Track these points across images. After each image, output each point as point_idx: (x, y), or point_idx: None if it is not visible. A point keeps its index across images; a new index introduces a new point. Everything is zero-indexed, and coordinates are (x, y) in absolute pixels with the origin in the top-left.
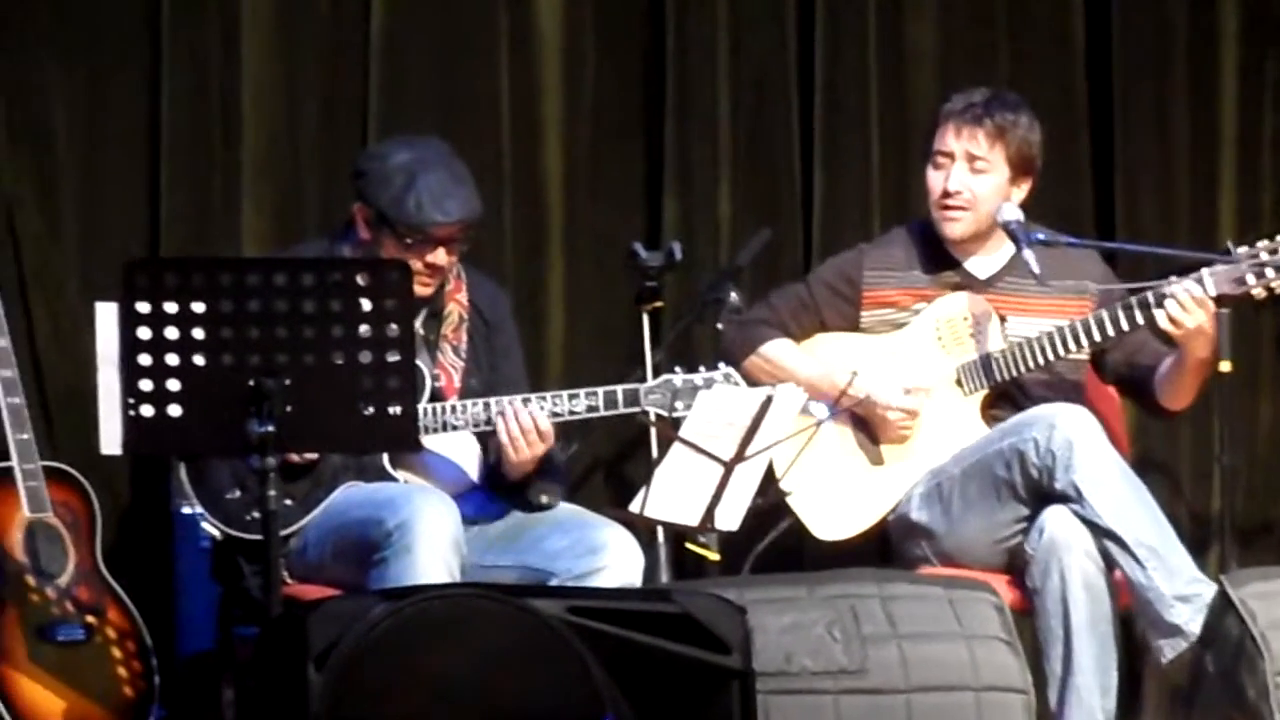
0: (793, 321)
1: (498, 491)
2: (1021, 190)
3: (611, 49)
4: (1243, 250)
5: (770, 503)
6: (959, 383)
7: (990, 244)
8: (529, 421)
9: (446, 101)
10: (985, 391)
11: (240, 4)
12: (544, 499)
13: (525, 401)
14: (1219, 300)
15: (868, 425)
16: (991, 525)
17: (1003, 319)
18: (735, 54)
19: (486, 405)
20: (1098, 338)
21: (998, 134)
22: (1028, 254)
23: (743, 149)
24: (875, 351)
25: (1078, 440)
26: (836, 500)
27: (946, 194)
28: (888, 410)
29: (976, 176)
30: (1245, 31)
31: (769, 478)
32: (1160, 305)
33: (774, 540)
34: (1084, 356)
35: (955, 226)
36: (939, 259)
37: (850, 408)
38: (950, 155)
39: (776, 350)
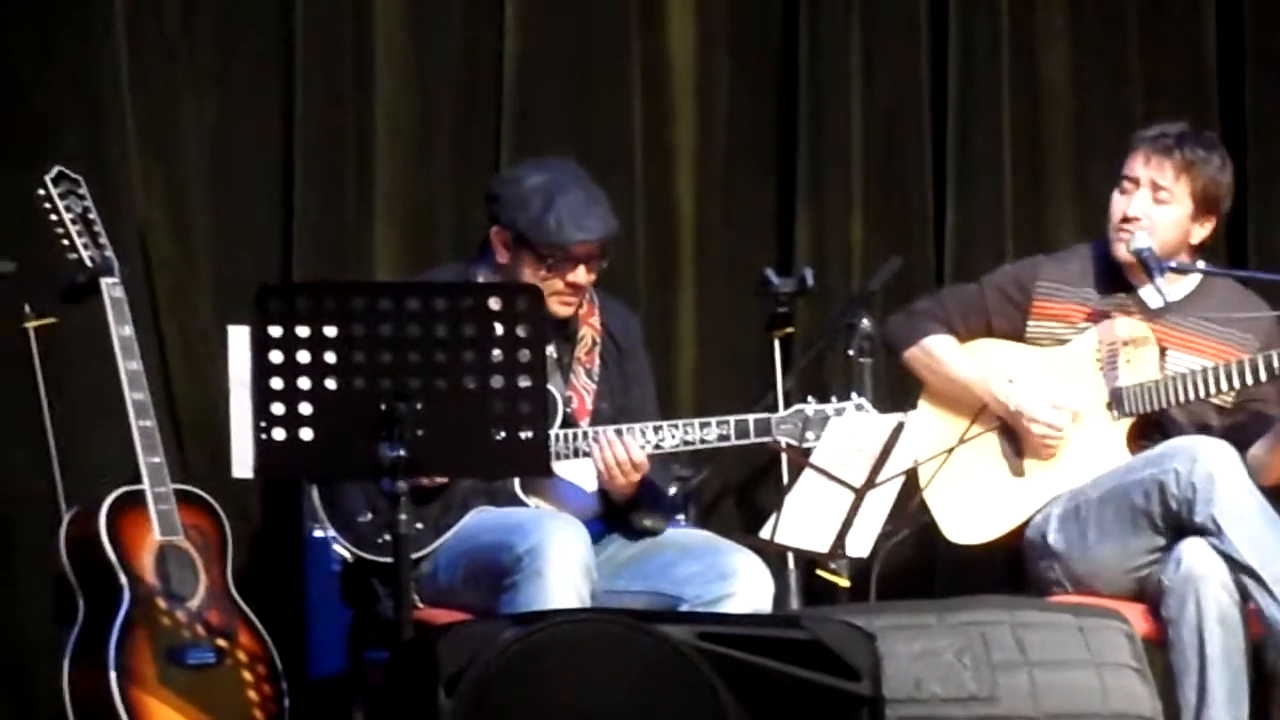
0: (960, 320)
1: (605, 518)
2: (1204, 229)
3: (744, 74)
4: None
5: (899, 528)
6: (1109, 406)
7: (1168, 276)
8: (623, 453)
9: (579, 126)
10: (1133, 419)
11: (374, 27)
12: (647, 525)
13: (618, 433)
14: None
15: (1015, 436)
16: (1126, 553)
17: (1163, 351)
18: (868, 80)
19: (618, 432)
20: (1250, 381)
21: (1185, 167)
22: (1160, 282)
23: (874, 175)
24: (1034, 363)
25: (1219, 474)
26: (973, 505)
27: (1126, 219)
28: (1033, 423)
29: (1158, 206)
30: None
31: (903, 499)
32: None
33: (906, 555)
34: (1229, 398)
35: (1121, 248)
36: (1114, 282)
37: (995, 424)
38: (1136, 181)
39: (938, 345)
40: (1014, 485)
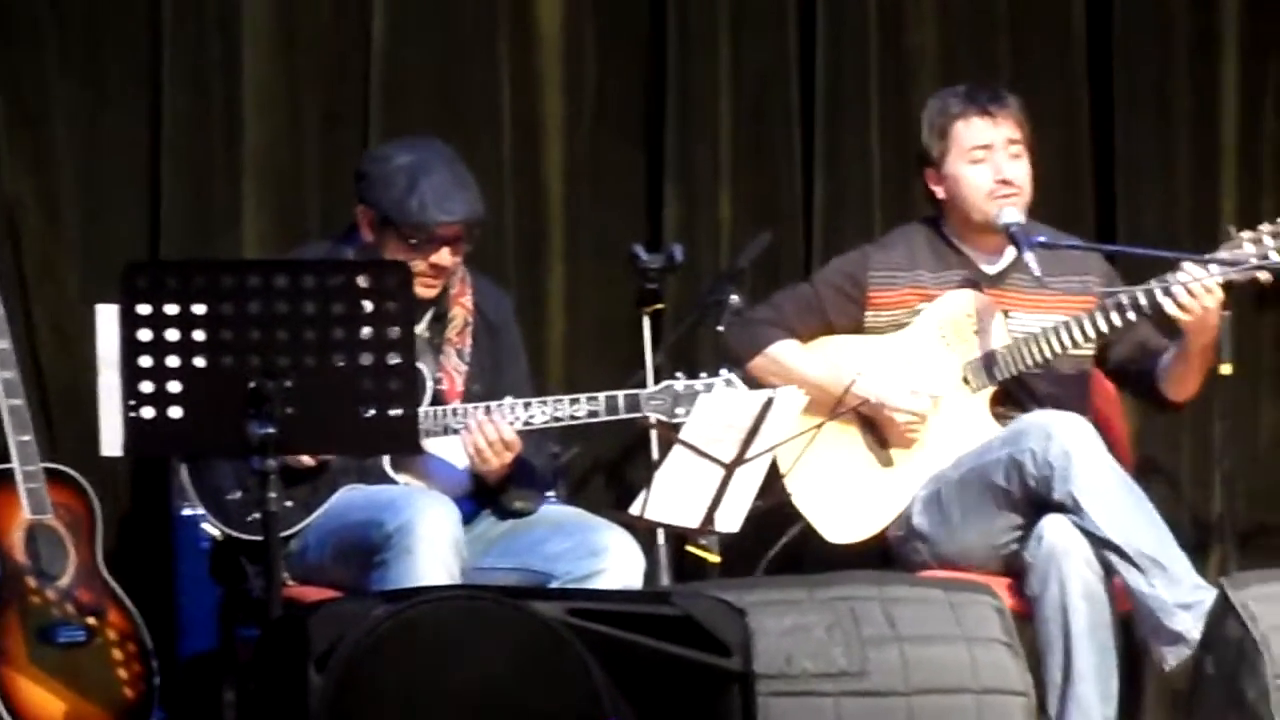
0: (798, 322)
1: (476, 497)
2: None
3: (612, 50)
4: (1245, 234)
5: (773, 504)
6: (966, 380)
7: (997, 241)
8: (494, 433)
9: (447, 104)
10: (992, 389)
11: (240, 5)
12: (518, 505)
13: (488, 411)
14: (1225, 288)
15: (877, 427)
16: (989, 532)
17: (1006, 314)
18: (736, 56)
19: (488, 409)
20: (1105, 329)
21: (1021, 112)
22: (1029, 256)
23: (743, 151)
24: (881, 352)
25: (1075, 451)
26: (846, 503)
27: (1006, 183)
28: (895, 412)
29: (1016, 162)
30: (1247, 32)
31: (772, 478)
32: (1168, 293)
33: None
34: (1089, 352)
35: (1014, 212)
36: (944, 258)
37: (856, 409)
38: (989, 147)
39: (783, 351)
40: (884, 476)
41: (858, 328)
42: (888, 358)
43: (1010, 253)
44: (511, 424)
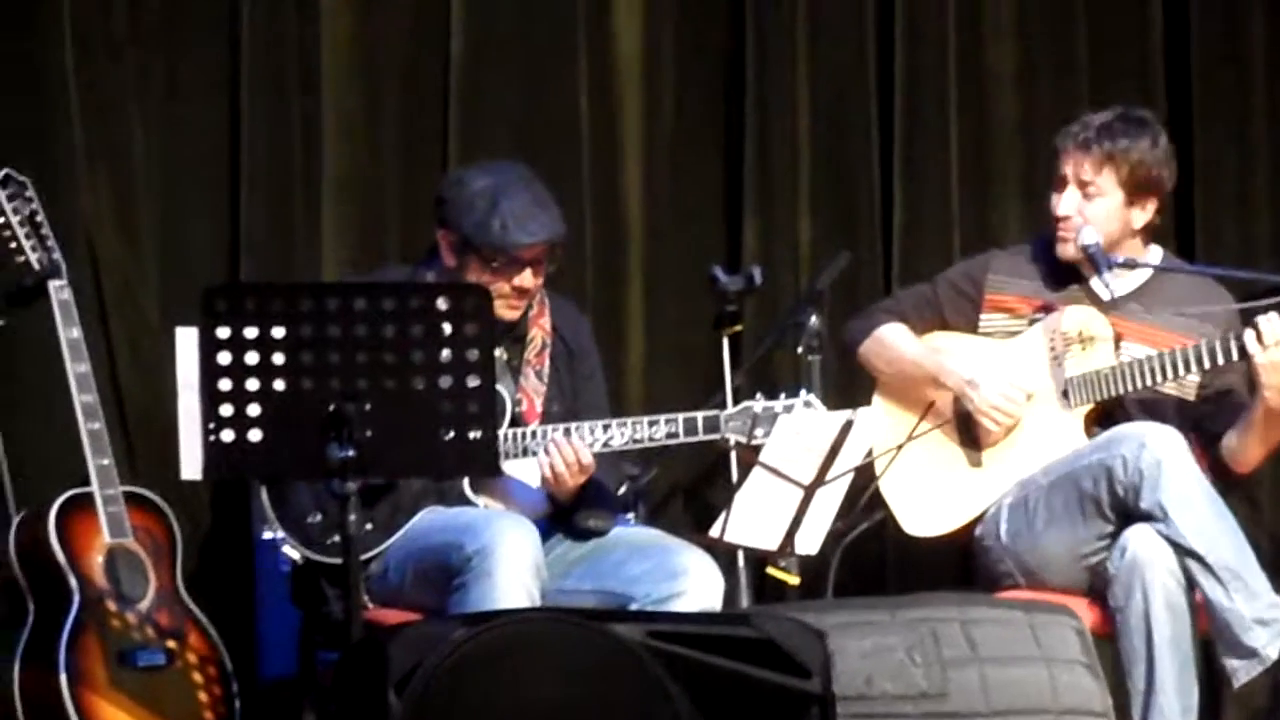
0: (914, 314)
1: (551, 518)
2: (1145, 212)
3: (691, 72)
4: None
5: (851, 525)
6: (1065, 395)
7: (1115, 271)
8: (571, 455)
9: (526, 126)
10: (1089, 406)
11: (321, 28)
12: (592, 524)
13: (567, 433)
14: None
15: (971, 427)
16: (1074, 541)
17: (1118, 341)
18: (814, 77)
19: (567, 431)
20: (1207, 365)
21: (1106, 159)
22: (1107, 276)
23: (822, 172)
24: (987, 354)
25: (1166, 460)
26: (931, 498)
27: (1059, 218)
28: (986, 393)
29: (1089, 201)
30: None
31: (853, 496)
32: (1255, 327)
33: (858, 549)
34: (1189, 387)
35: (1067, 248)
36: (1065, 274)
37: (953, 392)
38: (1064, 180)
39: (891, 333)
40: (971, 476)
41: (972, 329)
42: (993, 359)
43: (1129, 282)
44: (590, 445)
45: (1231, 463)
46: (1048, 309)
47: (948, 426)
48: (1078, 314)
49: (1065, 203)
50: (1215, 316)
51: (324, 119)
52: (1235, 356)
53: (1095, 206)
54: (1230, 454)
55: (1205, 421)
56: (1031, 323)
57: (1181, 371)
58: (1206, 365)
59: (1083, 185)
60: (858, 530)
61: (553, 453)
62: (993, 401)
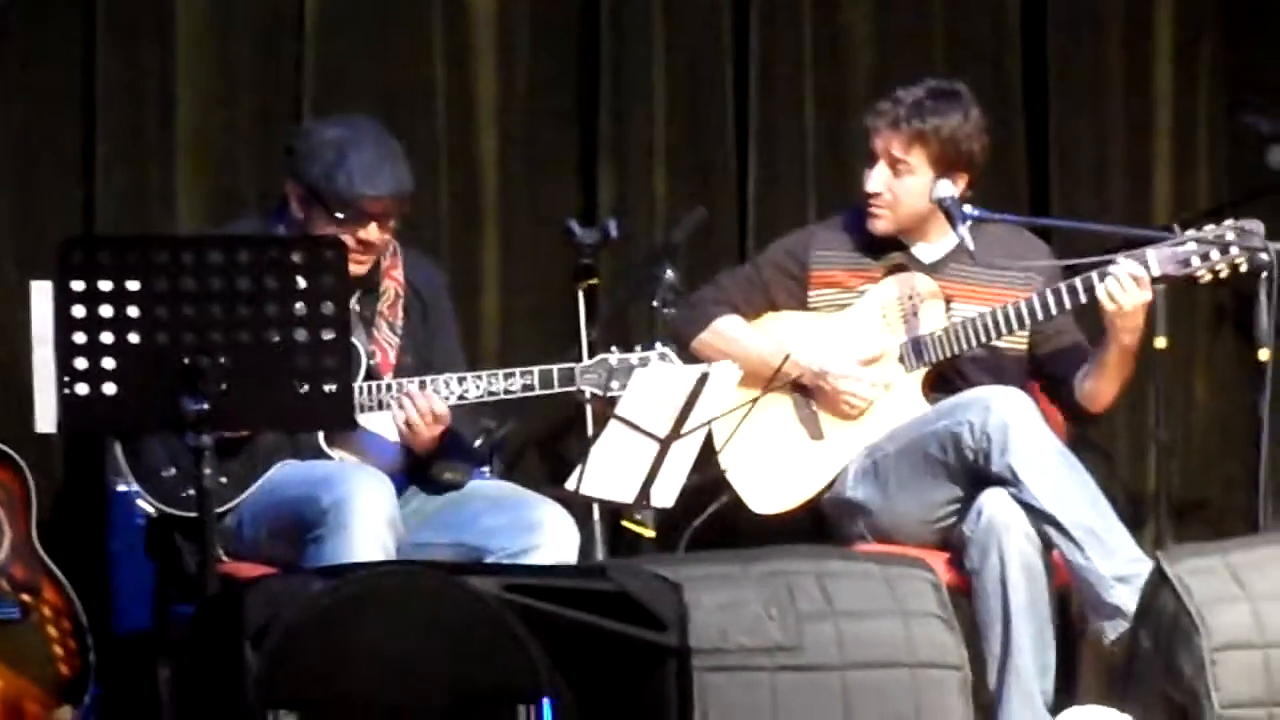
0: (743, 301)
1: (407, 471)
2: (959, 183)
3: (546, 26)
4: (1189, 232)
5: (707, 479)
6: (901, 360)
7: (935, 231)
8: (425, 406)
9: (382, 81)
10: (926, 370)
11: None
12: (448, 476)
13: (422, 385)
14: (1159, 281)
15: (810, 399)
16: (926, 505)
17: (948, 301)
18: (670, 32)
19: (421, 383)
20: (1040, 317)
21: (916, 137)
22: (962, 230)
23: (678, 126)
24: (823, 329)
25: (1013, 423)
26: (774, 474)
27: (869, 194)
28: (840, 380)
29: (899, 178)
30: (1180, 13)
31: (707, 453)
32: (1101, 281)
33: (710, 516)
34: (1023, 341)
35: (877, 224)
36: (886, 243)
37: (794, 380)
38: (874, 156)
39: (727, 325)
40: (814, 448)
41: (801, 306)
42: (829, 334)
43: (948, 243)
44: (445, 398)
45: (1088, 404)
46: (874, 279)
47: (787, 400)
48: (908, 279)
49: (875, 179)
50: (1037, 266)
51: (178, 72)
52: (1069, 307)
53: (906, 183)
54: (1085, 396)
55: (1047, 368)
56: (860, 294)
57: (1015, 326)
58: (1040, 317)
59: (894, 162)
60: (706, 514)
61: (406, 405)
62: (850, 389)
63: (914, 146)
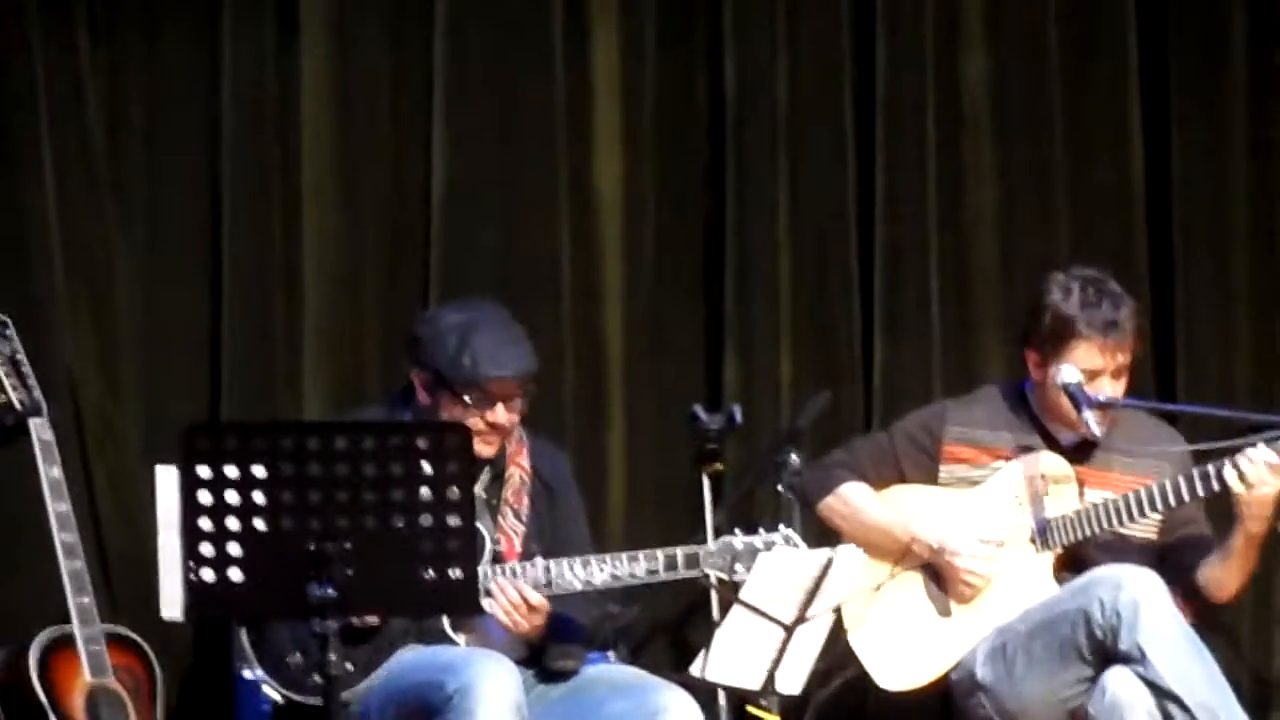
0: (871, 468)
1: (525, 662)
2: None
3: (671, 211)
4: None
5: (834, 659)
6: (1032, 540)
7: (1071, 415)
8: (516, 596)
9: (506, 266)
10: (1058, 551)
11: (302, 167)
12: (560, 665)
13: (512, 573)
14: None
15: (939, 576)
16: (1055, 685)
17: (1081, 484)
18: (795, 217)
19: (547, 569)
20: (1172, 502)
21: (1137, 334)
22: (1087, 414)
23: (803, 312)
24: (951, 504)
25: (1143, 602)
26: (903, 650)
27: (1104, 404)
28: (956, 558)
29: (1118, 381)
30: None
31: (834, 636)
32: (1234, 466)
33: (835, 695)
34: (1154, 526)
35: (1073, 371)
36: (1024, 424)
37: (923, 558)
38: (1099, 372)
39: (853, 493)
40: (942, 626)
41: (930, 480)
42: (957, 510)
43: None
44: (571, 583)
45: (1215, 592)
46: (1007, 458)
47: (917, 577)
48: (1044, 459)
49: (1108, 390)
50: (1171, 455)
51: (304, 256)
52: (1201, 494)
53: (1122, 384)
54: (1211, 584)
55: (1172, 557)
56: (995, 470)
57: (1148, 510)
58: (1172, 503)
59: (1119, 374)
60: (835, 685)
61: (496, 594)
62: (967, 566)
63: (1134, 349)
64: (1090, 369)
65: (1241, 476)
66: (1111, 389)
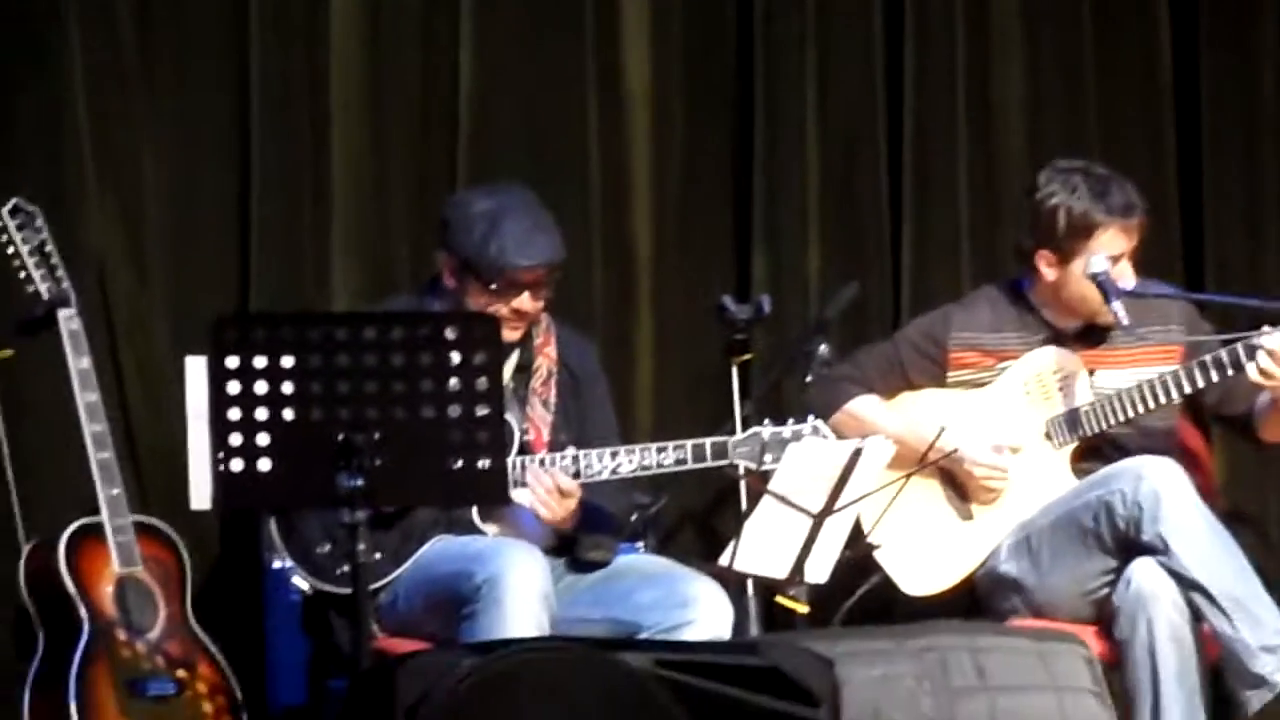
0: (879, 379)
1: (556, 550)
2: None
3: (700, 100)
4: None
5: (859, 556)
6: (1048, 436)
7: (1082, 314)
8: (549, 482)
9: (535, 157)
10: (1075, 445)
11: (330, 59)
12: (592, 555)
13: (543, 462)
14: None
15: (957, 480)
16: (1079, 577)
17: (1091, 372)
18: (823, 108)
19: (575, 459)
20: (1188, 390)
21: (1146, 222)
22: (1116, 305)
23: (831, 203)
24: (963, 407)
25: (1165, 492)
26: (925, 555)
27: (1127, 291)
28: (976, 467)
29: (1131, 263)
30: None
31: (857, 531)
32: (1251, 358)
33: (863, 596)
34: (1173, 413)
35: (1102, 260)
36: (1027, 321)
37: (939, 462)
38: (1120, 256)
39: (863, 407)
40: (964, 529)
41: (938, 386)
42: (970, 413)
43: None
44: (599, 473)
45: (1269, 438)
46: (1013, 357)
47: (935, 483)
48: (1050, 353)
49: (1126, 274)
50: (1176, 321)
51: (333, 152)
52: (1215, 380)
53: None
54: (1266, 433)
55: (1225, 411)
56: (1001, 371)
57: (1163, 399)
58: (1188, 390)
59: (1135, 254)
60: (857, 595)
61: (531, 482)
62: (983, 471)
63: (1144, 231)
64: (1116, 254)
65: (1261, 369)
66: (1130, 272)
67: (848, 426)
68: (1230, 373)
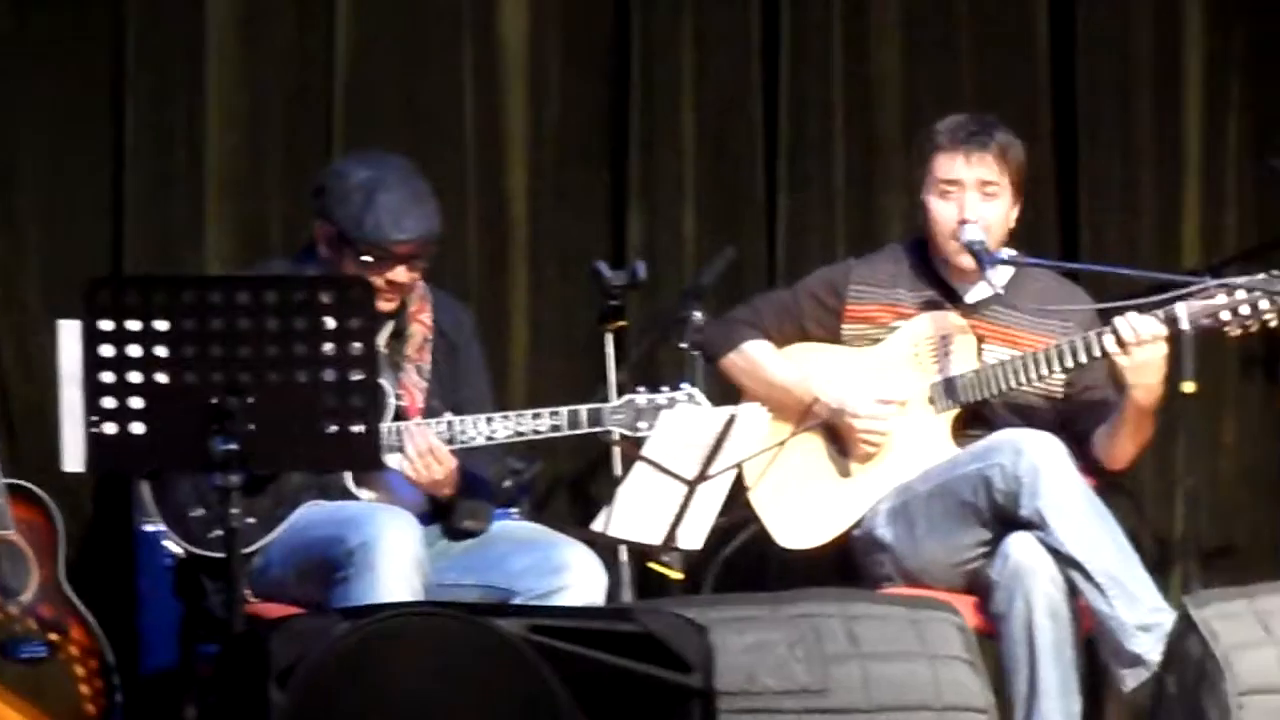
0: (775, 326)
1: (432, 516)
2: (1015, 211)
3: (576, 63)
4: (1221, 282)
5: (736, 518)
6: (931, 400)
7: (977, 271)
8: (424, 443)
9: (410, 119)
10: (956, 411)
11: (205, 17)
12: (467, 524)
13: (417, 424)
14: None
15: (839, 435)
16: (953, 547)
17: (980, 341)
18: (700, 73)
19: (449, 425)
20: (1067, 363)
21: (1002, 155)
22: (990, 273)
23: (707, 168)
24: (852, 363)
25: (1044, 467)
26: (803, 510)
27: (965, 221)
28: (856, 419)
29: (988, 202)
30: (1209, 51)
31: (736, 491)
32: (1114, 331)
33: (737, 551)
34: (1056, 386)
35: (976, 230)
36: (927, 279)
37: (823, 418)
38: (959, 183)
39: (755, 350)
40: (842, 486)
41: (833, 338)
42: (857, 369)
43: (985, 284)
44: (473, 439)
45: (1104, 460)
46: (908, 316)
47: (817, 438)
48: (940, 318)
49: (970, 206)
50: (1076, 315)
51: (207, 111)
52: (1096, 354)
53: (994, 207)
54: (1102, 452)
55: (1072, 420)
56: (893, 330)
57: (1044, 371)
58: (1068, 364)
59: (984, 185)
60: (734, 544)
61: (405, 442)
62: (865, 426)
63: (1002, 166)
64: (950, 179)
65: (1119, 342)
66: (977, 208)
67: (738, 368)
68: (1096, 353)
